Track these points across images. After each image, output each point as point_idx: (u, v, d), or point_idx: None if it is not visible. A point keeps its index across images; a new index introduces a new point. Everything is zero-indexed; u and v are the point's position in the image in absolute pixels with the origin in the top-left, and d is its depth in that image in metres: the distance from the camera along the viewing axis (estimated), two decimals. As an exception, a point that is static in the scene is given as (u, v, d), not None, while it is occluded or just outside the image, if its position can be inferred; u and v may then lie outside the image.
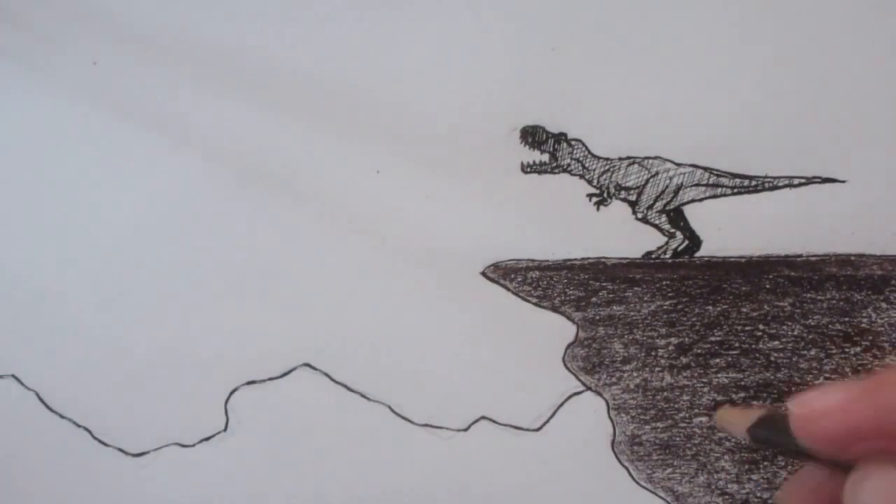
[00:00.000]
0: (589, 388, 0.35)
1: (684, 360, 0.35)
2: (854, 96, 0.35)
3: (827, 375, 0.36)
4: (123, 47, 0.38)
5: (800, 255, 0.35)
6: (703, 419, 0.35)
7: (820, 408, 0.24)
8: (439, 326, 0.36)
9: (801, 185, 0.35)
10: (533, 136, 0.36)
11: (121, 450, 0.36)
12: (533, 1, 0.36)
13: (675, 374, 0.35)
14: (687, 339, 0.35)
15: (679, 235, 0.35)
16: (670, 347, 0.35)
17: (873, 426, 0.23)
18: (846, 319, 0.35)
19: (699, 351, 0.35)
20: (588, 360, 0.35)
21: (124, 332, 0.37)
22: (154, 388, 0.37)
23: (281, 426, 0.36)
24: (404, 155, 0.36)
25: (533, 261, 0.36)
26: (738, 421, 0.31)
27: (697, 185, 0.35)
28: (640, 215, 0.36)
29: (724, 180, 0.35)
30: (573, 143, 0.36)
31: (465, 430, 0.35)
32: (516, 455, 0.35)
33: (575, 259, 0.36)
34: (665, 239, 0.35)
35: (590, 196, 0.36)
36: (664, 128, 0.36)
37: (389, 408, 0.36)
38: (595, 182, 0.36)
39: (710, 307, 0.35)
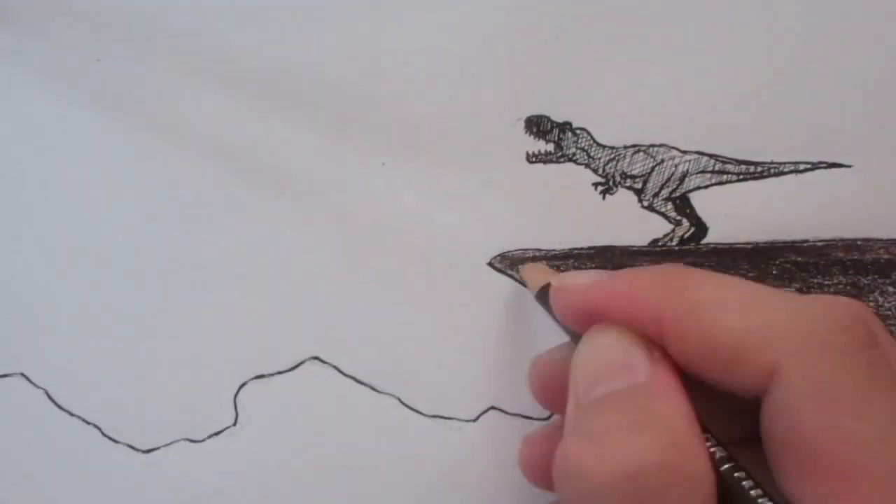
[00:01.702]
0: (597, 377, 0.35)
1: (692, 347, 0.35)
2: (859, 80, 0.35)
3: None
4: (127, 45, 0.38)
5: (806, 241, 0.35)
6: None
7: (570, 285, 0.28)
8: (447, 317, 0.36)
9: (806, 170, 0.35)
10: (538, 125, 0.36)
11: (130, 446, 0.36)
12: (535, -9, 0.36)
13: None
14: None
15: (685, 223, 0.35)
16: (678, 335, 0.35)
17: (603, 306, 0.27)
18: (853, 304, 0.35)
19: (707, 338, 0.35)
20: (596, 349, 0.35)
21: (132, 329, 0.37)
22: (163, 385, 0.37)
23: (290, 420, 0.36)
24: (409, 146, 0.36)
25: (539, 250, 0.36)
26: (531, 281, 0.33)
27: (703, 172, 0.36)
28: (645, 203, 0.36)
29: (729, 167, 0.35)
30: (578, 131, 0.36)
31: (475, 420, 0.35)
32: (526, 444, 0.35)
33: (581, 248, 0.36)
34: (671, 226, 0.36)
35: (595, 185, 0.36)
36: (669, 115, 0.36)
37: (399, 400, 0.36)
38: (600, 171, 0.36)
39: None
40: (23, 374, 0.37)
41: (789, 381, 0.23)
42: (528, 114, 0.36)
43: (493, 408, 0.35)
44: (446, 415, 0.36)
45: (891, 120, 0.35)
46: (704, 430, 0.24)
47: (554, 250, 0.36)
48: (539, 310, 0.36)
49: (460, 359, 0.36)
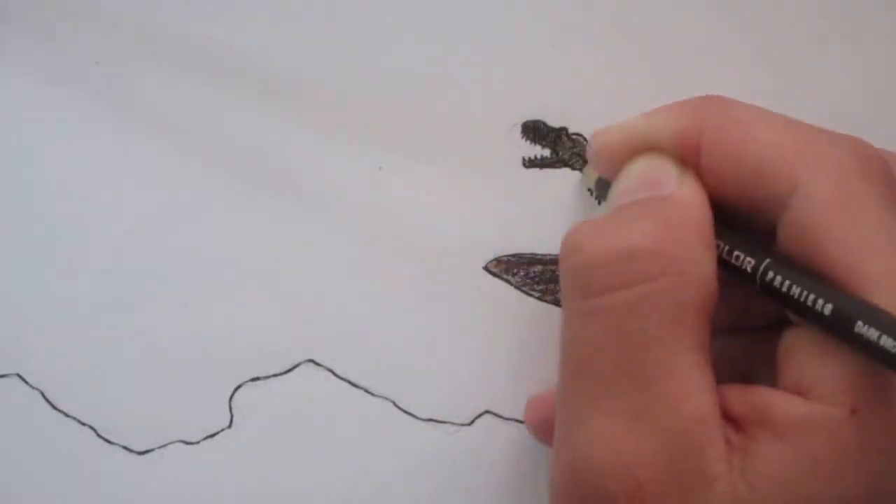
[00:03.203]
0: (592, 382, 0.35)
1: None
2: (861, 83, 0.35)
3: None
4: (126, 47, 0.38)
5: (801, 247, 0.35)
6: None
7: (610, 126, 0.30)
8: (442, 321, 0.36)
9: (801, 177, 0.35)
10: (534, 130, 0.36)
11: (125, 447, 0.36)
12: (533, -3, 0.37)
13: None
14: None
15: (680, 228, 0.35)
16: (673, 340, 0.35)
17: (642, 138, 0.28)
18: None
19: (702, 343, 0.35)
20: (591, 354, 0.35)
21: (128, 331, 0.37)
22: (158, 386, 0.37)
23: (285, 422, 0.36)
24: (406, 151, 0.37)
25: (535, 255, 0.36)
26: (588, 177, 0.33)
27: (698, 178, 0.36)
28: (641, 209, 0.36)
29: (724, 173, 0.35)
30: (574, 137, 0.36)
31: (470, 424, 0.35)
32: (520, 449, 0.35)
33: (577, 253, 0.36)
34: (666, 232, 0.36)
35: (591, 190, 0.36)
36: (665, 121, 0.36)
37: (394, 403, 0.36)
38: (596, 176, 0.36)
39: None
40: (18, 375, 0.37)
41: (812, 194, 0.24)
42: (525, 119, 0.36)
43: (487, 412, 0.36)
44: (441, 418, 0.36)
45: (887, 132, 0.35)
46: (732, 246, 0.25)
47: (550, 255, 0.36)
48: (534, 314, 0.36)
49: (455, 363, 0.36)
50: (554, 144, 0.36)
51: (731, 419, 0.23)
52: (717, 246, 0.26)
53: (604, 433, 0.22)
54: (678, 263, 0.23)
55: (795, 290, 0.24)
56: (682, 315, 0.23)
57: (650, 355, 0.22)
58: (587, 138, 0.36)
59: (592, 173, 0.32)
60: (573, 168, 0.36)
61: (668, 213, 0.24)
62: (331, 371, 0.36)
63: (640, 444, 0.22)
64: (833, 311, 0.23)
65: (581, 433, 0.23)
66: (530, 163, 0.36)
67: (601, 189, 0.31)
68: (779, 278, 0.24)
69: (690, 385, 0.22)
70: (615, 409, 0.22)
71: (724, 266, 0.26)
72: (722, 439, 0.22)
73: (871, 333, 0.22)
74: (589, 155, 0.31)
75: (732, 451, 0.22)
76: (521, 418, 0.35)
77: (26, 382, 0.37)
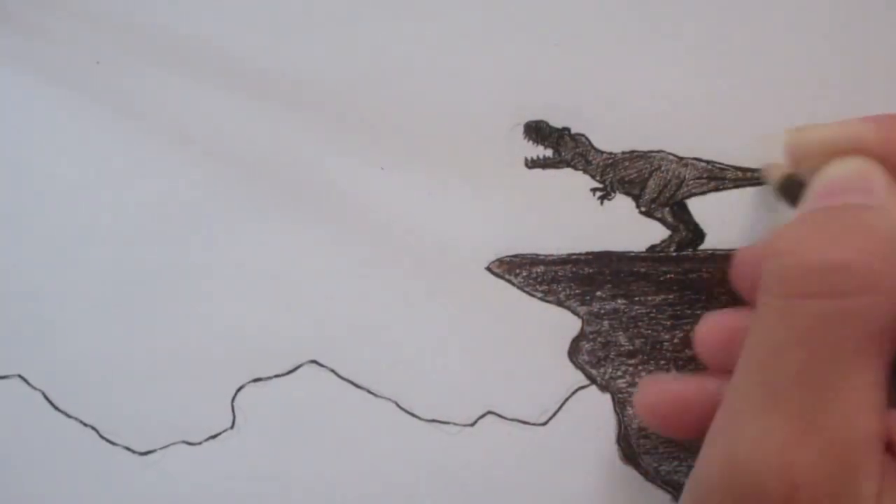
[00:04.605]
0: (594, 382, 0.35)
1: (689, 352, 0.35)
2: (857, 90, 0.35)
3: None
4: (127, 47, 0.38)
5: (803, 247, 0.35)
6: None
7: (801, 126, 0.30)
8: (444, 322, 0.36)
9: (803, 177, 0.35)
10: (536, 131, 0.36)
11: (128, 448, 0.36)
12: (535, -4, 0.37)
13: (680, 367, 0.35)
14: (692, 331, 0.35)
15: (683, 229, 0.36)
16: (675, 340, 0.35)
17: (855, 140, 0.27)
18: (850, 311, 0.35)
19: (704, 343, 0.35)
20: (593, 354, 0.35)
21: (130, 331, 0.37)
22: (160, 387, 0.37)
23: (287, 423, 0.36)
24: (408, 151, 0.37)
25: (537, 255, 0.36)
26: (773, 175, 0.32)
27: (700, 178, 0.36)
28: (643, 209, 0.36)
29: (727, 173, 0.35)
30: (576, 137, 0.36)
31: (472, 425, 0.36)
32: (523, 449, 0.35)
33: (579, 253, 0.36)
34: (669, 232, 0.36)
35: (593, 190, 0.36)
36: (667, 121, 0.36)
37: (396, 404, 0.36)
38: (598, 176, 0.36)
39: (715, 300, 0.35)
40: (20, 376, 0.37)
41: None
42: (527, 119, 0.36)
43: (490, 412, 0.36)
44: (443, 419, 0.36)
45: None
46: None
47: (552, 255, 0.36)
48: (536, 315, 0.36)
49: (458, 364, 0.36)
50: (556, 145, 0.36)
51: (888, 443, 0.23)
52: None
53: (772, 433, 0.22)
54: (884, 281, 0.23)
55: None
56: (876, 334, 0.22)
57: (837, 367, 0.22)
58: (589, 138, 0.36)
59: (778, 171, 0.31)
60: (575, 168, 0.36)
61: (880, 227, 0.24)
62: (333, 372, 0.36)
63: (807, 451, 0.22)
64: None
65: (748, 428, 0.23)
66: (533, 163, 0.36)
67: (789, 187, 0.30)
68: None
69: (866, 403, 0.22)
70: (789, 411, 0.22)
71: None
72: (879, 462, 0.22)
73: None
74: (786, 149, 0.30)
75: (884, 474, 0.22)
76: (523, 419, 0.35)
77: (28, 383, 0.37)
